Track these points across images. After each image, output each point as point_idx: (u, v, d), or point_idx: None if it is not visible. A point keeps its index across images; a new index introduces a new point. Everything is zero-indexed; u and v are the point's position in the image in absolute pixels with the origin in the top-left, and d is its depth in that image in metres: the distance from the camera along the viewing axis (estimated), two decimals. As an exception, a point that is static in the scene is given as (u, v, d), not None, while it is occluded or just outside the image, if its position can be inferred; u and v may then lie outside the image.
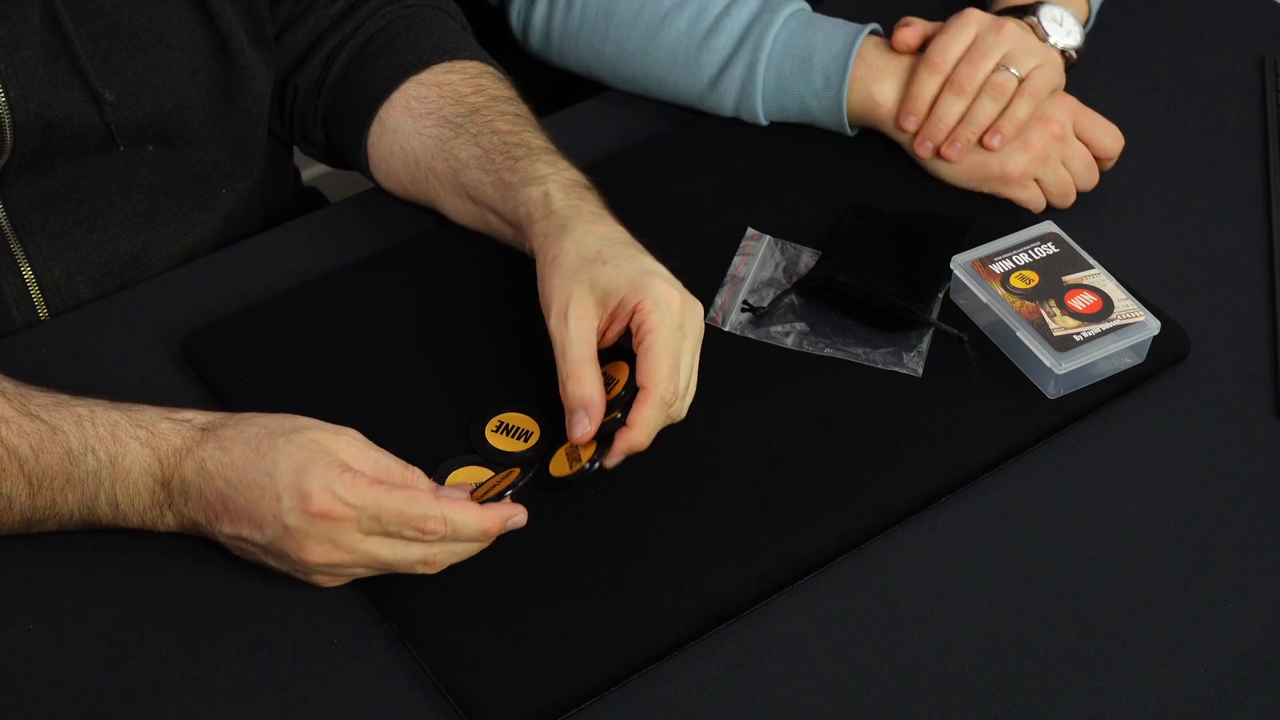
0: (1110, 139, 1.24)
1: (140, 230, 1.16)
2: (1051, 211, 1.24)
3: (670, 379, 0.99)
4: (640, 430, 0.99)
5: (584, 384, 0.99)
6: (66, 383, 0.98)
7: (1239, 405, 1.11)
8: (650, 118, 1.32)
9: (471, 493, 0.96)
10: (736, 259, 1.18)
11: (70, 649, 0.93)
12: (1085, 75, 1.34)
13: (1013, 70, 1.22)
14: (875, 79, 1.24)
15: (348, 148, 1.23)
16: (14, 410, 0.94)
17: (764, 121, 1.29)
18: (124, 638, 0.94)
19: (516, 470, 0.98)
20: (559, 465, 1.01)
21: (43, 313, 1.14)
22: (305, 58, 1.22)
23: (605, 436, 1.00)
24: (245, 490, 0.91)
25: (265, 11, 1.18)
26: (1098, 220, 1.24)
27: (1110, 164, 1.25)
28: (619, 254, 1.03)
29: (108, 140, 1.10)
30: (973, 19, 1.23)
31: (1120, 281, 1.13)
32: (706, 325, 1.12)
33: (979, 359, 1.12)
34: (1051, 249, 1.15)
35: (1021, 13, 1.27)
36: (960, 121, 1.22)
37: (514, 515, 0.94)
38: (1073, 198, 1.24)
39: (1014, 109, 1.22)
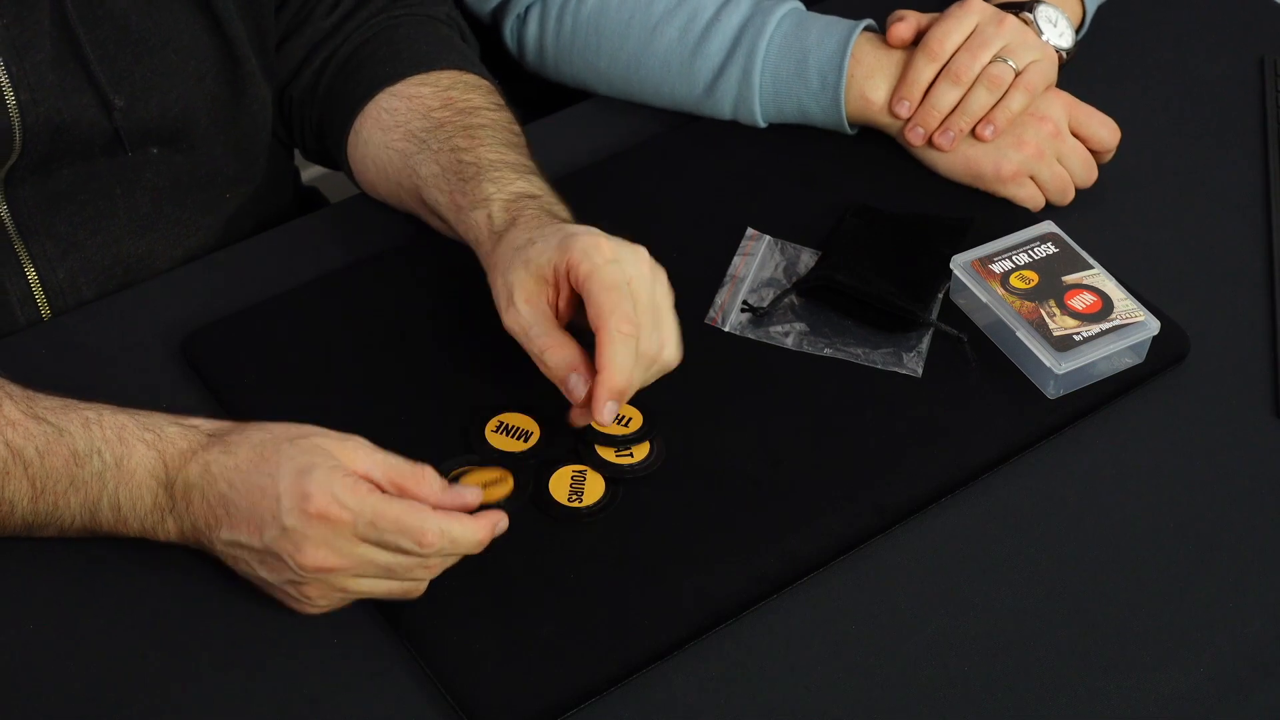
0: (1106, 132, 1.24)
1: (144, 233, 1.16)
2: (1051, 211, 1.24)
3: (618, 310, 0.97)
4: (611, 370, 0.96)
5: (561, 350, 0.99)
6: (66, 382, 0.98)
7: (1239, 405, 1.11)
8: (650, 118, 1.31)
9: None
10: (736, 259, 1.18)
11: (70, 651, 0.93)
12: (1085, 75, 1.34)
13: (1010, 63, 1.22)
14: (868, 76, 1.24)
15: (337, 157, 1.24)
16: (20, 413, 0.94)
17: (762, 124, 1.29)
18: (124, 639, 0.94)
19: (509, 476, 0.98)
20: (558, 486, 1.01)
21: (46, 314, 1.14)
22: (300, 68, 1.22)
23: (619, 480, 1.01)
24: (247, 492, 0.91)
25: (270, 20, 1.18)
26: (1098, 220, 1.24)
27: (1108, 157, 1.26)
28: (545, 232, 1.02)
29: (114, 144, 1.10)
30: (974, 9, 1.23)
31: (1120, 281, 1.13)
32: (706, 325, 1.12)
33: (979, 359, 1.12)
34: (1051, 249, 1.15)
35: (1016, 9, 1.27)
36: (954, 110, 1.22)
37: (500, 521, 0.93)
38: (1071, 195, 1.24)
39: (1008, 101, 1.22)
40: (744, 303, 1.14)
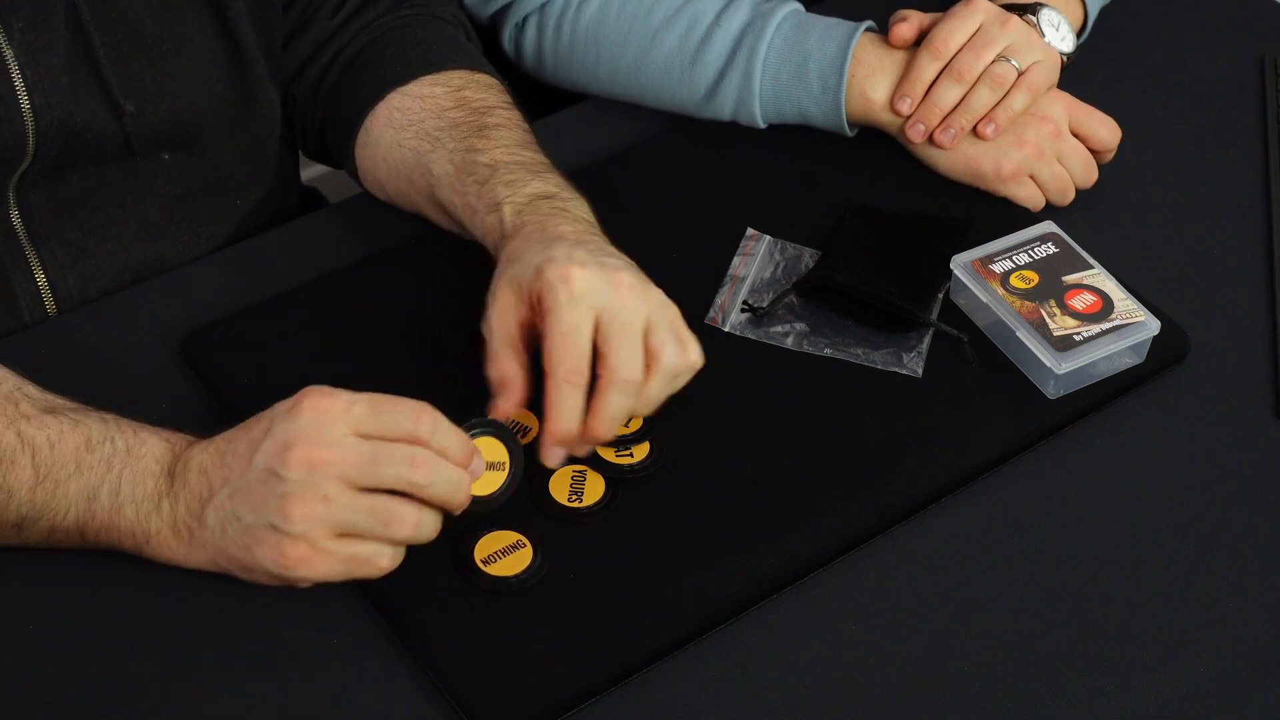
0: (1106, 131, 1.24)
1: (154, 240, 1.16)
2: (1051, 211, 1.24)
3: (566, 359, 0.97)
4: (555, 418, 0.97)
5: (502, 365, 1.00)
6: (66, 381, 0.98)
7: (1239, 405, 1.11)
8: (650, 119, 1.31)
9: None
10: (736, 259, 1.18)
11: (70, 649, 0.93)
12: (1085, 75, 1.34)
13: (1013, 63, 1.22)
14: (869, 75, 1.24)
15: (340, 156, 1.23)
16: (36, 409, 0.95)
17: (762, 125, 1.29)
18: (124, 638, 0.94)
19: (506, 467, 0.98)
20: (558, 486, 1.01)
21: None
22: (304, 68, 1.22)
23: (619, 480, 1.02)
24: (236, 440, 0.92)
25: (279, 22, 1.18)
26: (1098, 220, 1.24)
27: (1109, 156, 1.26)
28: (532, 248, 1.02)
29: (125, 149, 1.10)
30: (979, 8, 1.23)
31: (1120, 281, 1.13)
32: (706, 325, 1.12)
33: (979, 359, 1.12)
34: (1051, 249, 1.15)
35: (1019, 12, 1.27)
36: (956, 108, 1.22)
37: (480, 462, 0.95)
38: (1071, 195, 1.24)
39: (1010, 100, 1.22)
40: (744, 303, 1.14)
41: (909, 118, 1.24)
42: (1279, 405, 1.11)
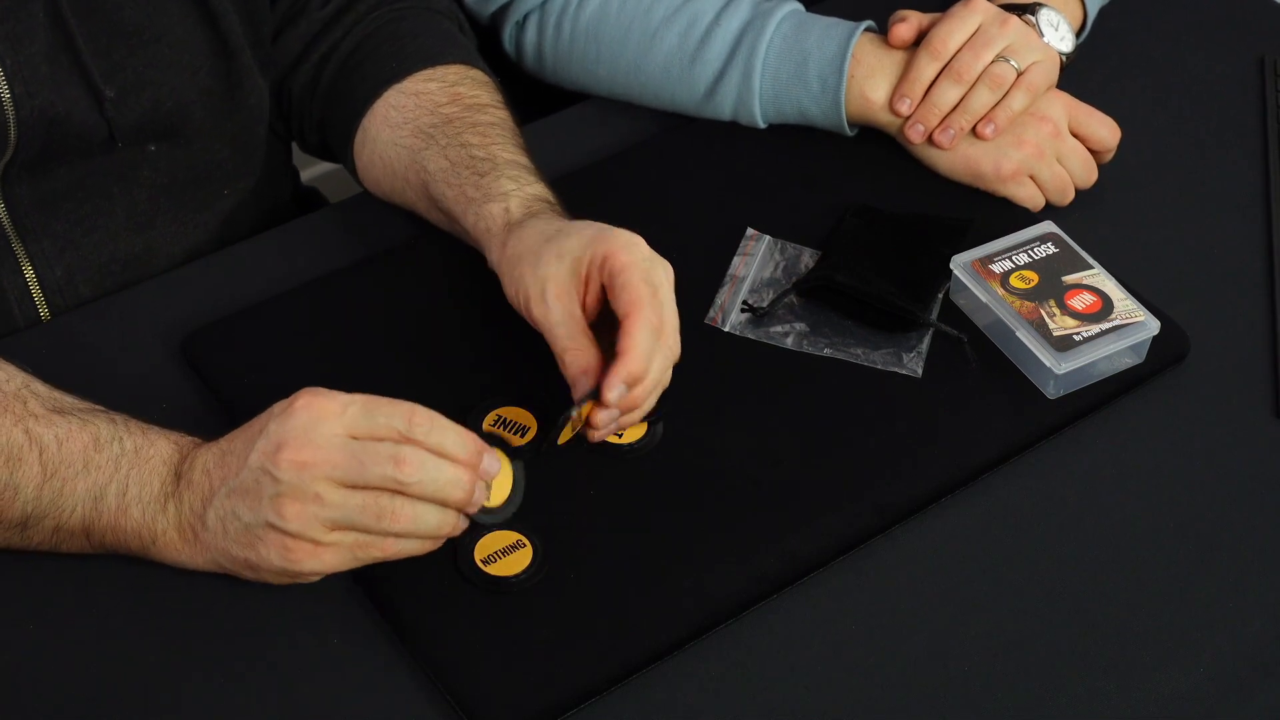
0: (1106, 131, 1.24)
1: (142, 230, 1.16)
2: (1051, 211, 1.24)
3: (651, 303, 0.99)
4: (633, 354, 0.98)
5: (582, 354, 1.00)
6: (66, 382, 0.98)
7: (1239, 405, 1.11)
8: (649, 118, 1.32)
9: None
10: (736, 259, 1.18)
11: (70, 650, 0.93)
12: (1085, 75, 1.34)
13: (1013, 63, 1.22)
14: (868, 75, 1.24)
15: (340, 155, 1.24)
16: (45, 408, 0.95)
17: (762, 125, 1.29)
18: (124, 638, 0.94)
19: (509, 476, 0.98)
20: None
21: (44, 312, 1.14)
22: (298, 62, 1.22)
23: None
24: (236, 440, 0.92)
25: (266, 14, 1.18)
26: (1098, 220, 1.24)
27: (1108, 157, 1.26)
28: (577, 225, 1.04)
29: (109, 138, 1.10)
30: (978, 9, 1.24)
31: (1120, 281, 1.13)
32: (706, 325, 1.12)
33: (979, 359, 1.12)
34: (1051, 249, 1.15)
35: (1018, 12, 1.27)
36: (955, 109, 1.22)
37: (492, 460, 0.94)
38: (1071, 195, 1.24)
39: (1009, 100, 1.22)
40: (744, 303, 1.14)
41: (908, 118, 1.24)
42: (1279, 405, 1.11)
